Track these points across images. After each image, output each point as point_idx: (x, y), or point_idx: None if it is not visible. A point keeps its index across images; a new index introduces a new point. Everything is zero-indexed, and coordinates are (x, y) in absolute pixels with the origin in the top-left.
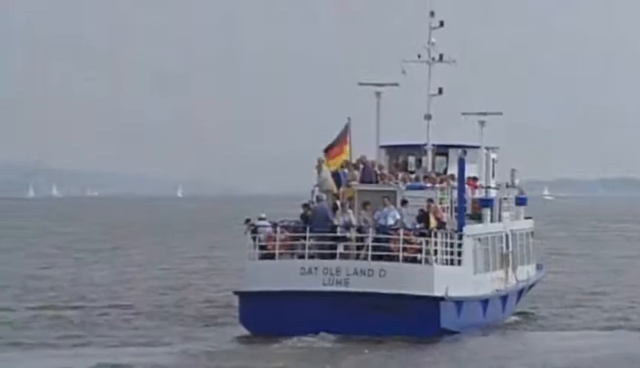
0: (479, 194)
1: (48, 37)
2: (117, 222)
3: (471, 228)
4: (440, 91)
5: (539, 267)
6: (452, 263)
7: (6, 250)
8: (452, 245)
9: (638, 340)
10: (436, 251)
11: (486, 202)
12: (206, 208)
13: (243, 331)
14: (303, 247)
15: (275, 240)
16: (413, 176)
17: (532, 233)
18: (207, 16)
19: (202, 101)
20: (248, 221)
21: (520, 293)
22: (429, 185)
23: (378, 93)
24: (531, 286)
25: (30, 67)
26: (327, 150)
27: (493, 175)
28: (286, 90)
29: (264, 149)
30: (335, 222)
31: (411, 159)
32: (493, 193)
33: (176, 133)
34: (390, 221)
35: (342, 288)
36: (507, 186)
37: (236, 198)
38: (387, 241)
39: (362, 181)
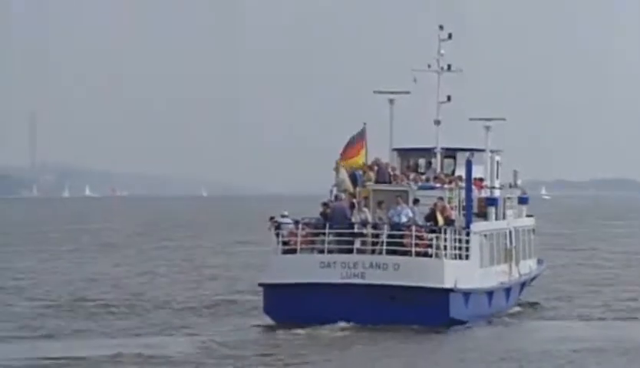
0: (484, 194)
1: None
2: (152, 221)
3: (478, 225)
4: (449, 99)
5: (539, 261)
6: (460, 257)
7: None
8: (460, 241)
9: (632, 331)
10: (445, 247)
11: (492, 201)
12: (230, 206)
13: (267, 320)
14: (323, 242)
15: (296, 236)
16: (423, 177)
17: (533, 230)
18: (229, 17)
19: (224, 103)
20: (272, 218)
21: (523, 285)
22: (438, 185)
23: (391, 101)
24: (532, 279)
25: (65, 75)
26: (343, 152)
27: (497, 176)
28: (306, 93)
29: (280, 149)
30: (353, 220)
31: (422, 161)
32: (497, 193)
33: (198, 134)
34: (404, 219)
35: (359, 281)
36: (510, 186)
37: (255, 198)
38: (401, 237)
39: (377, 181)
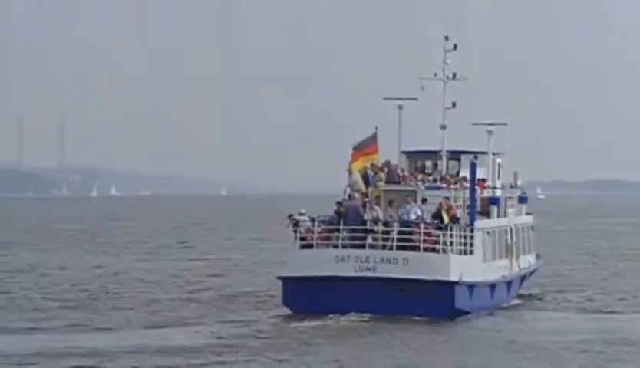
0: (487, 193)
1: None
2: (173, 219)
3: (481, 223)
4: (454, 105)
5: (537, 256)
6: (465, 252)
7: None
8: (465, 237)
9: (623, 324)
10: (451, 243)
11: (494, 201)
12: (248, 206)
13: (285, 311)
14: (337, 238)
15: (313, 232)
16: (430, 178)
17: (532, 227)
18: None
19: (238, 106)
20: (290, 216)
21: (522, 279)
22: (444, 185)
23: (400, 107)
24: (531, 273)
25: (96, 80)
26: (360, 148)
27: (499, 177)
28: (307, 93)
29: (294, 150)
30: (365, 217)
31: (428, 163)
32: (499, 193)
33: (218, 136)
34: (413, 217)
35: (371, 274)
36: (511, 187)
37: (271, 197)
38: (410, 233)
39: (387, 182)
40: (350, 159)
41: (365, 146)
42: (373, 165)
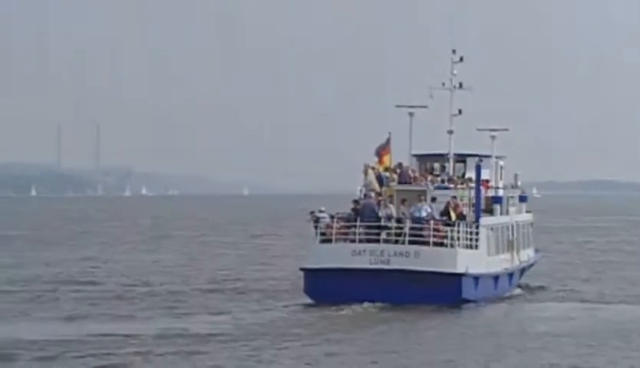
0: (491, 193)
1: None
2: (198, 216)
3: (485, 220)
4: (460, 112)
5: (536, 250)
6: (471, 247)
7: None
8: (471, 233)
9: (612, 313)
10: (458, 238)
11: (497, 200)
12: (269, 204)
13: (307, 300)
14: (354, 234)
15: (332, 228)
16: (439, 179)
17: (531, 224)
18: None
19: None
20: (312, 213)
21: (522, 271)
22: (452, 186)
23: (411, 113)
24: (530, 265)
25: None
26: (377, 155)
27: (501, 178)
28: (334, 104)
29: (309, 152)
30: (380, 214)
31: (437, 165)
32: (501, 192)
33: (238, 139)
34: (423, 214)
35: (385, 266)
36: (512, 187)
37: (289, 196)
38: (421, 229)
39: (399, 182)
40: (373, 162)
41: (381, 150)
42: (387, 167)
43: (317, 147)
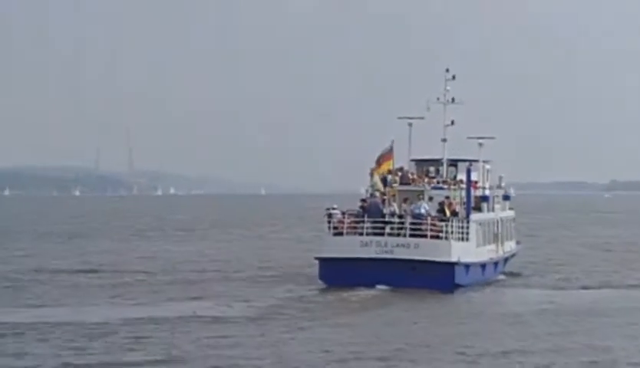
0: (479, 193)
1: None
2: (220, 214)
3: (474, 216)
4: (453, 122)
5: (518, 242)
6: (462, 239)
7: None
8: (462, 228)
9: (581, 297)
10: (452, 232)
11: (484, 198)
12: (285, 203)
13: (321, 285)
14: (362, 228)
15: (343, 222)
16: (434, 181)
17: (513, 219)
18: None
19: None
20: (328, 209)
21: (506, 260)
22: (446, 186)
23: (410, 124)
24: (513, 255)
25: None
26: (377, 161)
27: (488, 180)
28: (341, 114)
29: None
30: (384, 211)
31: (432, 169)
32: (488, 192)
33: (256, 142)
34: (422, 211)
35: (389, 256)
36: (497, 187)
37: (302, 195)
38: (420, 224)
39: (401, 183)
40: (375, 166)
41: (385, 155)
42: (389, 170)
43: (317, 147)
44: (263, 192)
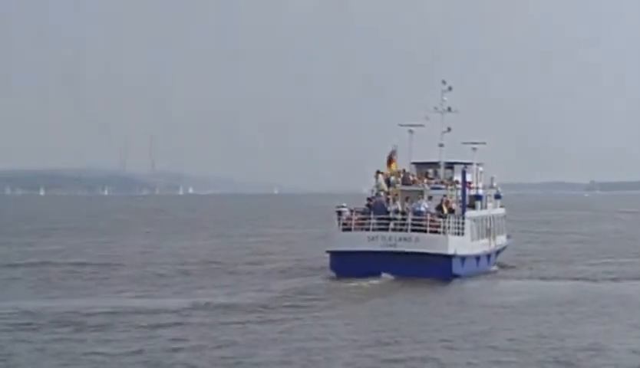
0: (473, 192)
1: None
2: (234, 211)
3: (469, 213)
4: (449, 129)
5: (508, 237)
6: (458, 234)
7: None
8: (458, 223)
9: (572, 287)
10: (449, 227)
11: (478, 197)
12: (298, 202)
13: (331, 275)
14: (369, 224)
15: (351, 219)
16: (433, 181)
17: (504, 216)
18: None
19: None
20: (337, 207)
21: (498, 253)
22: (443, 187)
23: (411, 130)
24: (504, 248)
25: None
26: (388, 162)
27: (481, 180)
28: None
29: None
30: (388, 209)
31: (431, 171)
32: (481, 192)
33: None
34: (422, 209)
35: (393, 249)
36: (489, 187)
37: (312, 194)
38: (420, 220)
39: (403, 184)
40: (387, 166)
41: (391, 158)
42: (393, 172)
43: (317, 147)
44: (276, 191)
